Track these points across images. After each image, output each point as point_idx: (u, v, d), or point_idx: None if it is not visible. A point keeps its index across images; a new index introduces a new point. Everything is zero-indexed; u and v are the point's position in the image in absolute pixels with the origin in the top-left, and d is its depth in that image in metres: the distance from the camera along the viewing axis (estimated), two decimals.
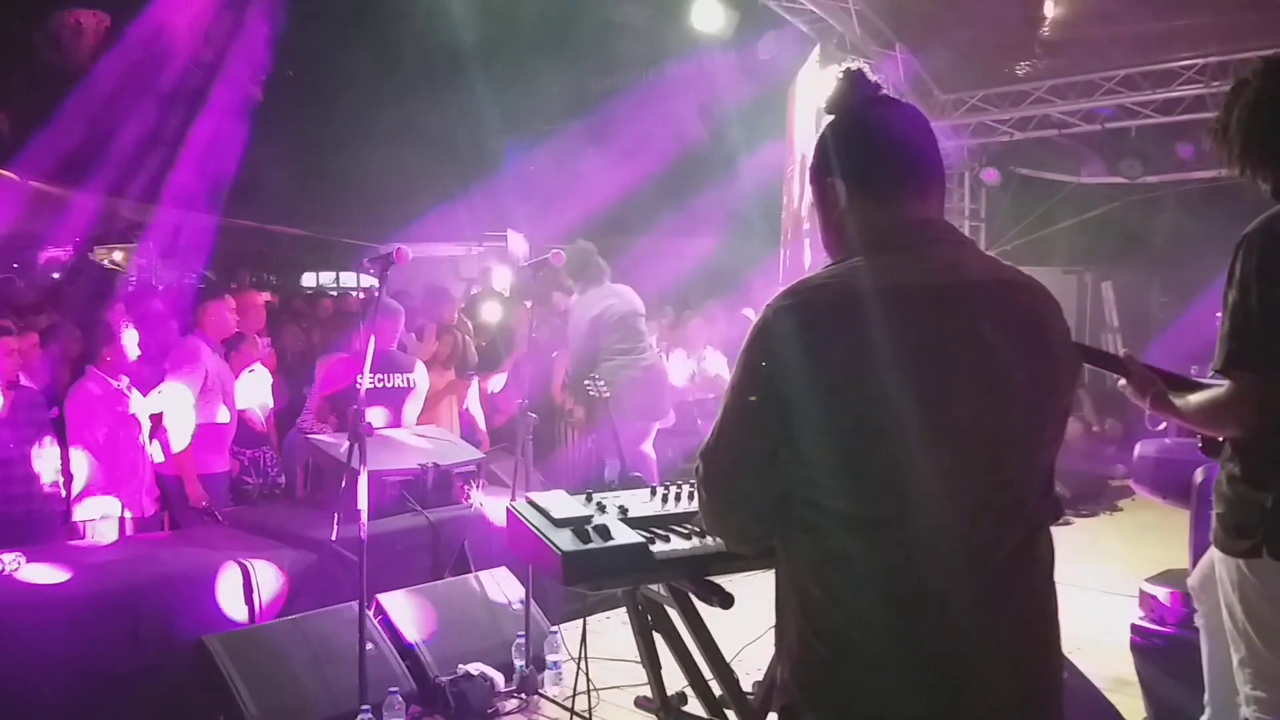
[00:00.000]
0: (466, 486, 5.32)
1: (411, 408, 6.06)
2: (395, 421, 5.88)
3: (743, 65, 9.33)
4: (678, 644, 3.07)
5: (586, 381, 5.86)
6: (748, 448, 1.73)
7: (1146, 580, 4.14)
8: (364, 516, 4.00)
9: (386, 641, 4.39)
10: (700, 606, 2.74)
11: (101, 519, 5.38)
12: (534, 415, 4.85)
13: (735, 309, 10.31)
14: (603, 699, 4.27)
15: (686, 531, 2.71)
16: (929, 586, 1.61)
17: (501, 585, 4.94)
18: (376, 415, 5.65)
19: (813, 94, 9.00)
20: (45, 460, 5.32)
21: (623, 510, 2.82)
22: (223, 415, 5.87)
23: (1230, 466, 2.61)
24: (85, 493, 5.38)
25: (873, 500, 1.62)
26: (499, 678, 4.40)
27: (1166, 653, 3.89)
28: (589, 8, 13.72)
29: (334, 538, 4.66)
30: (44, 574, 4.17)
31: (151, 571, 4.38)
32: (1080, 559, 5.84)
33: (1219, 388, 2.53)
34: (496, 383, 7.51)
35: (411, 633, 4.50)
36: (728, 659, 2.98)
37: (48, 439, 5.37)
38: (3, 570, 4.10)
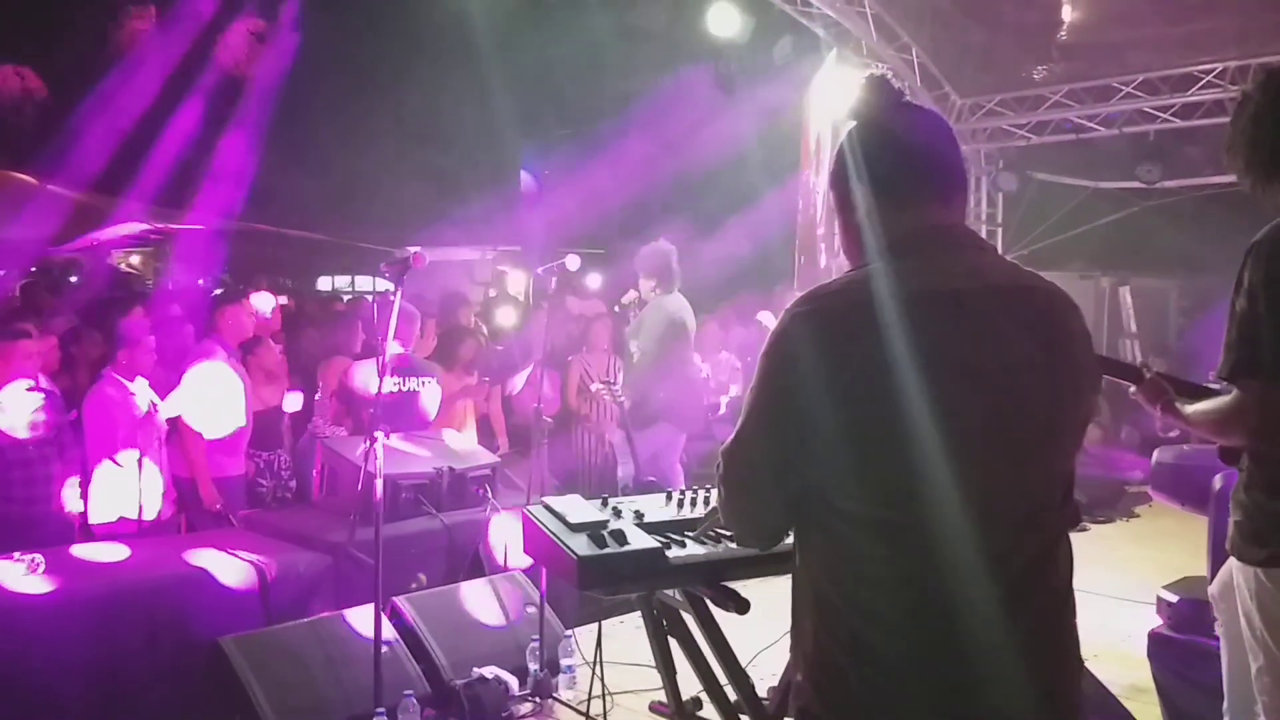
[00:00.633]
0: (481, 490, 5.33)
1: (427, 411, 6.07)
2: (411, 425, 5.89)
3: (759, 69, 9.32)
4: (693, 649, 3.06)
5: (599, 386, 5.86)
6: (766, 450, 1.74)
7: (1164, 587, 4.12)
8: (379, 520, 4.01)
9: (401, 644, 4.39)
10: (715, 611, 2.74)
11: (118, 521, 5.41)
12: (549, 419, 4.85)
13: (751, 313, 10.31)
14: (617, 703, 4.27)
15: (694, 536, 2.71)
16: (947, 592, 1.61)
17: (516, 589, 4.94)
18: (392, 419, 5.66)
19: (828, 98, 8.99)
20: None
21: (638, 515, 2.82)
22: (238, 418, 5.88)
23: (1248, 474, 2.60)
24: (101, 495, 5.41)
25: (890, 504, 1.62)
26: (513, 681, 4.40)
27: (1184, 660, 3.86)
28: (606, 13, 13.74)
29: (350, 540, 4.68)
30: (62, 577, 4.18)
31: (167, 574, 4.40)
32: (1097, 566, 5.80)
33: (1225, 395, 2.53)
34: (515, 385, 7.51)
35: (426, 636, 4.50)
36: (743, 664, 2.98)
37: (66, 439, 5.39)
38: (17, 574, 4.11)
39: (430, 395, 6.11)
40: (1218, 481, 3.69)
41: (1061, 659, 1.73)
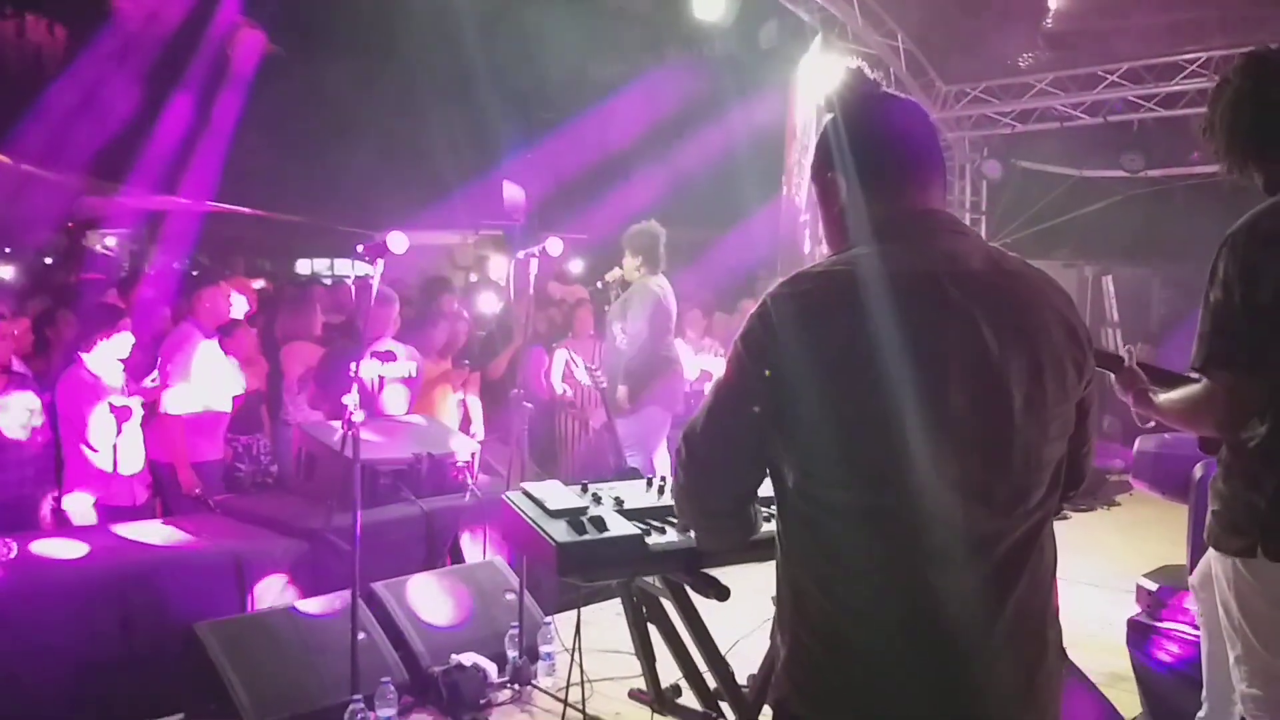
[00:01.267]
0: (461, 476, 5.30)
1: (405, 396, 6.03)
2: (390, 409, 5.85)
3: (744, 54, 9.29)
4: (672, 636, 3.05)
5: (583, 372, 5.83)
6: (733, 432, 1.72)
7: (1144, 576, 4.13)
8: (357, 505, 3.97)
9: (379, 631, 4.36)
10: (695, 598, 2.72)
11: (93, 506, 5.35)
12: (530, 405, 4.81)
13: (735, 301, 10.30)
14: (596, 691, 4.25)
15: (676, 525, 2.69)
16: (928, 578, 1.60)
17: (495, 575, 4.92)
18: (371, 403, 5.62)
19: (814, 84, 8.95)
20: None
21: (618, 502, 2.81)
22: (217, 401, 5.83)
23: (1226, 464, 2.61)
24: (75, 479, 5.35)
25: (871, 488, 1.61)
26: (492, 668, 4.38)
27: (1163, 648, 3.87)
28: None
29: (327, 526, 4.64)
30: (34, 561, 4.14)
31: (143, 559, 4.35)
32: (1077, 554, 5.81)
33: (1196, 385, 2.53)
34: (495, 370, 7.47)
35: (404, 623, 4.47)
36: (723, 651, 2.96)
37: (39, 422, 5.32)
38: None
39: (409, 379, 6.06)
40: (1198, 470, 3.69)
41: (1043, 648, 1.71)
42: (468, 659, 4.34)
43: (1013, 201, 11.06)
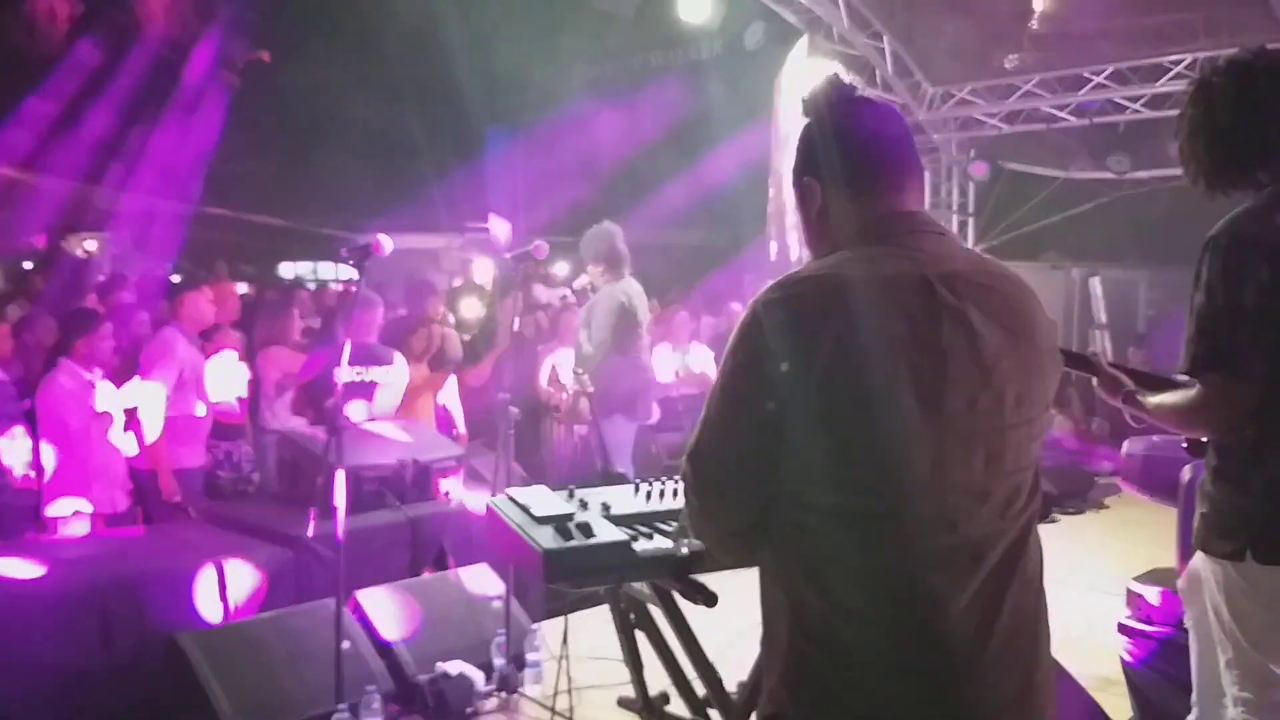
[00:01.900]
0: (445, 482, 5.26)
1: (389, 401, 5.98)
2: (373, 415, 5.80)
3: (730, 55, 9.29)
4: (660, 643, 3.03)
5: (571, 376, 5.79)
6: (741, 445, 1.69)
7: (1134, 579, 4.12)
8: (341, 512, 3.93)
9: (364, 639, 4.32)
10: (684, 605, 2.69)
11: (73, 514, 5.30)
12: (515, 410, 4.77)
13: (722, 302, 10.28)
14: (584, 698, 4.23)
15: (671, 529, 2.65)
16: (927, 582, 1.59)
17: (481, 582, 4.88)
18: (355, 409, 5.57)
19: (799, 85, 8.95)
20: (16, 453, 5.22)
21: (605, 507, 2.77)
22: (198, 409, 5.78)
23: (1214, 468, 2.61)
24: (56, 487, 5.30)
25: (868, 493, 1.60)
26: (478, 676, 4.34)
27: (1154, 652, 3.87)
28: None
29: (310, 534, 4.60)
30: (14, 570, 4.08)
31: (124, 568, 4.29)
32: (1066, 557, 5.81)
33: (1187, 389, 2.53)
34: (479, 375, 7.42)
35: (389, 631, 4.43)
36: (711, 658, 2.94)
37: (18, 429, 5.27)
38: None
39: (393, 384, 6.02)
40: (1186, 473, 3.69)
41: (1035, 650, 1.71)
42: (454, 667, 4.30)
43: (1000, 203, 11.09)
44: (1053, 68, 9.69)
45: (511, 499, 2.76)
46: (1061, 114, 9.91)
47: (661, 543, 2.60)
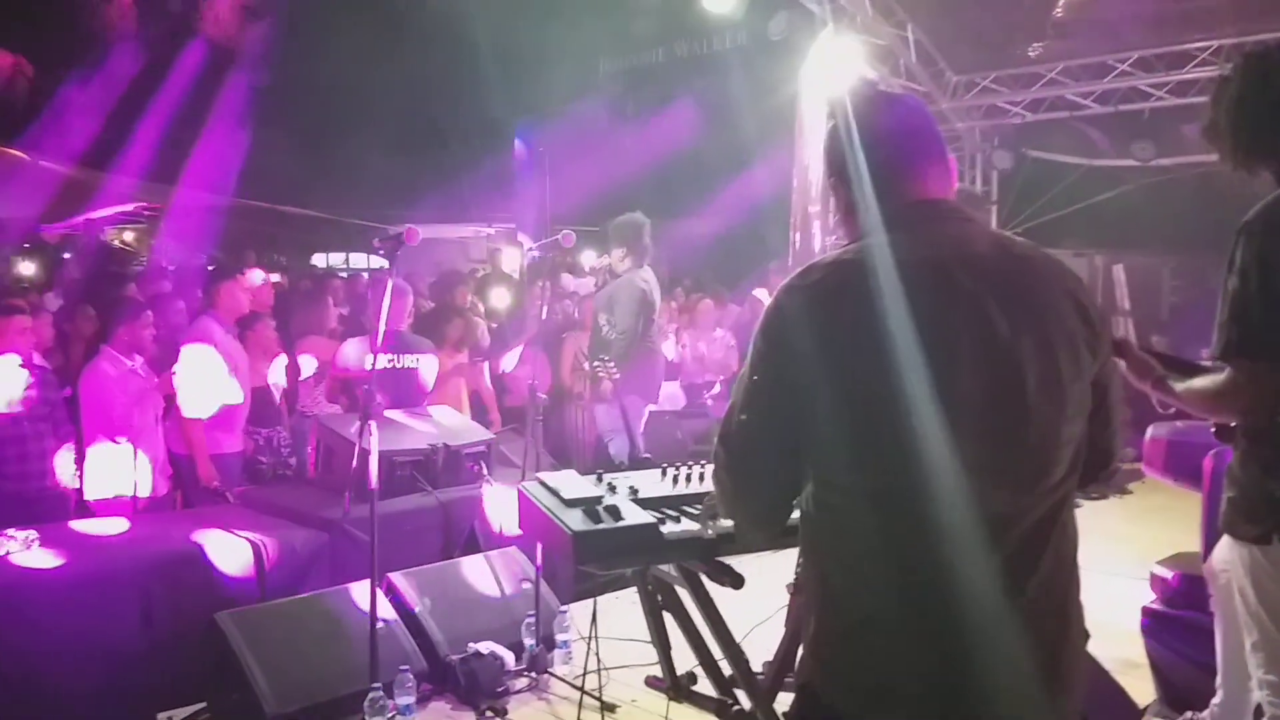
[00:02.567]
0: (476, 467, 5.33)
1: (421, 387, 6.06)
2: (406, 401, 5.89)
3: (754, 45, 9.27)
4: (688, 624, 3.08)
5: (596, 362, 5.85)
6: (768, 427, 1.76)
7: (1157, 563, 4.13)
8: (374, 496, 4.01)
9: (397, 620, 4.40)
10: (710, 587, 2.74)
11: (114, 498, 5.40)
12: (544, 396, 4.85)
13: (746, 291, 10.30)
14: (612, 678, 4.29)
15: (697, 512, 2.71)
16: (948, 557, 1.62)
17: (511, 565, 4.95)
18: (387, 396, 5.65)
19: (824, 75, 8.94)
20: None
21: (633, 491, 2.82)
22: (235, 395, 5.88)
23: (1243, 451, 2.61)
24: (97, 472, 5.40)
25: (888, 471, 1.64)
26: (509, 656, 4.42)
27: (1177, 635, 3.88)
28: None
29: (345, 517, 4.68)
30: (57, 553, 4.18)
31: (163, 550, 4.39)
32: (1090, 541, 5.74)
33: (1218, 373, 2.53)
34: (508, 362, 7.50)
35: (422, 612, 4.51)
36: (738, 639, 2.98)
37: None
38: (12, 550, 4.11)
39: (425, 371, 6.10)
40: (1211, 458, 3.69)
41: (1066, 626, 1.74)
42: (485, 647, 4.37)
43: (1023, 191, 11.02)
44: (1076, 55, 9.59)
45: (542, 483, 2.82)
46: (1086, 101, 9.83)
47: (689, 526, 2.65)
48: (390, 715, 3.98)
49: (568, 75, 15.17)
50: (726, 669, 3.04)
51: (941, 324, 1.66)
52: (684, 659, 3.18)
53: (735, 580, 2.55)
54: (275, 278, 10.06)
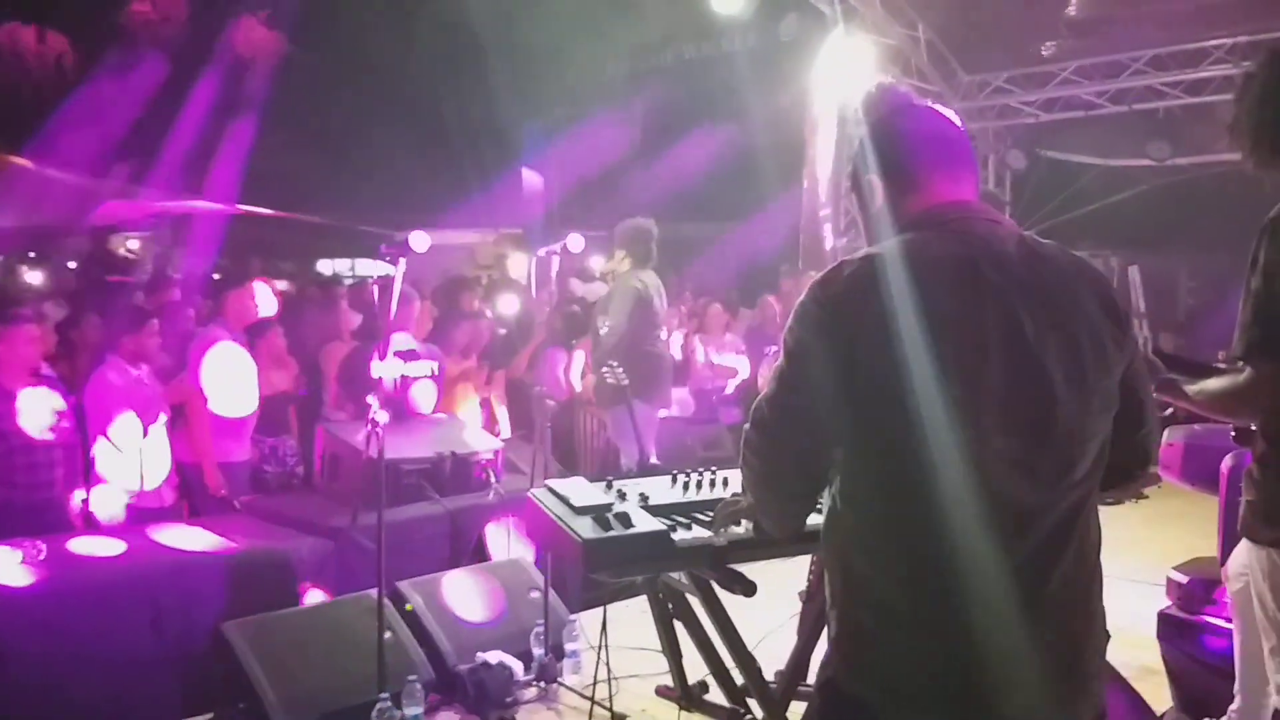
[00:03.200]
0: (484, 475, 5.31)
1: (429, 395, 6.04)
2: (414, 408, 5.86)
3: (763, 47, 9.24)
4: (699, 632, 3.04)
5: (605, 369, 5.83)
6: (798, 416, 1.79)
7: (1174, 568, 4.09)
8: (381, 504, 3.99)
9: (405, 629, 4.38)
10: (722, 595, 2.71)
11: (121, 508, 5.39)
12: (552, 402, 4.81)
13: (757, 295, 10.26)
14: (622, 688, 4.25)
15: (708, 519, 2.67)
16: (972, 551, 1.64)
17: (520, 573, 4.92)
18: (394, 403, 5.63)
19: (833, 76, 8.91)
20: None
21: (643, 498, 2.80)
22: (244, 404, 5.85)
23: (1262, 454, 2.57)
24: (104, 481, 5.39)
25: (914, 464, 1.65)
26: (518, 666, 4.38)
27: (1194, 641, 3.84)
28: None
29: (352, 526, 4.66)
30: (65, 563, 4.18)
31: (170, 560, 4.39)
32: (1106, 547, 5.70)
33: (1235, 374, 2.50)
34: (523, 370, 7.47)
35: (430, 621, 4.49)
36: (749, 647, 2.95)
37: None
38: (20, 560, 4.10)
39: (432, 378, 6.07)
40: (1228, 461, 3.65)
41: (1089, 622, 1.76)
42: (494, 657, 4.34)
43: (1037, 192, 10.96)
44: (1090, 54, 9.55)
45: (551, 490, 2.79)
46: (1100, 101, 9.77)
47: (700, 533, 2.62)
48: None
49: (576, 79, 15.17)
50: (738, 678, 3.01)
51: (969, 319, 1.68)
52: (695, 668, 3.15)
53: (747, 588, 2.52)
54: (282, 285, 10.05)
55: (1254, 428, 2.62)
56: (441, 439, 5.37)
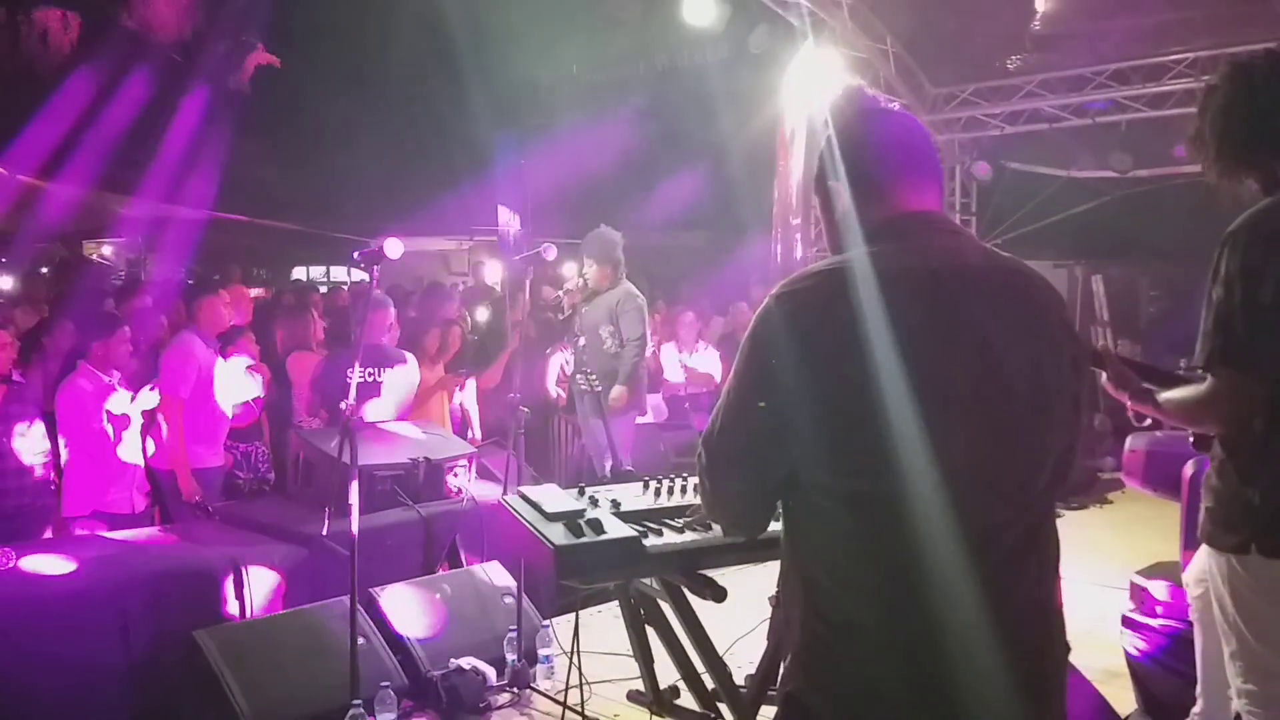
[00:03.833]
0: (457, 481, 5.31)
1: (401, 402, 6.04)
2: (386, 415, 5.86)
3: (734, 58, 9.30)
4: (670, 638, 3.07)
5: (579, 375, 5.86)
6: (750, 432, 1.77)
7: (1137, 572, 4.14)
8: (355, 511, 3.99)
9: (378, 636, 4.37)
10: (693, 600, 2.74)
11: (91, 514, 5.35)
12: (526, 410, 4.84)
13: (728, 303, 10.31)
14: (595, 693, 4.26)
15: (679, 525, 2.71)
16: (933, 564, 1.62)
17: (493, 579, 4.93)
18: (367, 410, 5.63)
19: (803, 87, 8.98)
20: (32, 448, 5.24)
21: (615, 504, 2.82)
22: (217, 411, 5.84)
23: (1220, 461, 2.62)
24: (75, 488, 5.36)
25: (874, 477, 1.64)
26: (491, 672, 4.39)
27: (1157, 645, 3.89)
28: (582, 1, 13.66)
29: (325, 532, 4.65)
30: (34, 569, 4.14)
31: (142, 567, 4.35)
32: (1070, 551, 5.74)
33: (1199, 384, 2.53)
34: (496, 377, 7.48)
35: (403, 627, 4.49)
36: (720, 652, 2.98)
37: (38, 425, 5.31)
38: None
39: (404, 385, 6.07)
40: (1189, 467, 3.71)
41: (1047, 640, 1.75)
42: (466, 663, 4.35)
43: (1003, 203, 11.08)
44: (1055, 68, 9.67)
45: (523, 496, 2.81)
46: (1064, 114, 9.91)
47: (671, 539, 2.65)
48: None
49: (549, 88, 15.20)
50: (709, 682, 3.04)
51: (931, 332, 1.68)
52: (667, 673, 3.18)
53: (717, 593, 2.55)
54: (256, 292, 10.00)
55: (1212, 435, 2.67)
56: (415, 445, 5.36)
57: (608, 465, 6.41)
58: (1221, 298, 2.47)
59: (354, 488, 4.01)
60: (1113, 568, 5.35)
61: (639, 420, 6.89)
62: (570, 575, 2.62)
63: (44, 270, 12.10)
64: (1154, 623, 3.93)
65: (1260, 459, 2.51)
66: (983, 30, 9.44)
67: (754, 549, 2.48)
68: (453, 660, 4.36)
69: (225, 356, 6.01)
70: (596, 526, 2.61)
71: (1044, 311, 1.77)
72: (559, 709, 4.16)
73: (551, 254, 5.00)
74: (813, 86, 8.70)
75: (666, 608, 2.98)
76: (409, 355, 6.22)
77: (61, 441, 5.38)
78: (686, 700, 3.19)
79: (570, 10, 13.68)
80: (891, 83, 9.88)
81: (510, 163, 15.29)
